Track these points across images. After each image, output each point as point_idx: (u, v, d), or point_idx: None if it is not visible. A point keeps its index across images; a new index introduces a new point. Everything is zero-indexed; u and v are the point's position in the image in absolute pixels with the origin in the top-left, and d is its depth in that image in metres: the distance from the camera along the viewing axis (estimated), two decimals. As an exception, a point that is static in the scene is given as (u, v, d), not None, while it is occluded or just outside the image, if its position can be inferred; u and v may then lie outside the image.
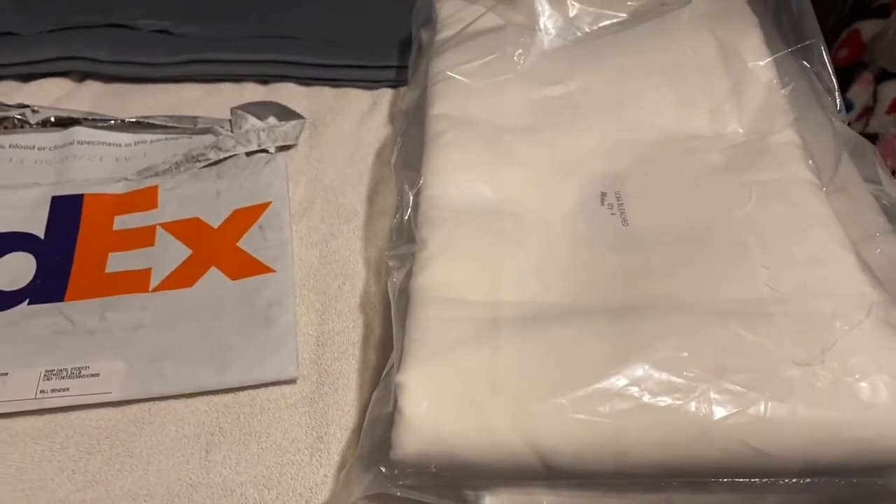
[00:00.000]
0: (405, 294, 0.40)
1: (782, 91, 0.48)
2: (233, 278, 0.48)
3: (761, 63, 0.49)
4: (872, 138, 0.69)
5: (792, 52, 0.50)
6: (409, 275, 0.40)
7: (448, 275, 0.40)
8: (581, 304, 0.39)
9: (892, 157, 0.66)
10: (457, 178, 0.44)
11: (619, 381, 0.34)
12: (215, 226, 0.51)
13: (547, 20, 0.53)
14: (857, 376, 0.34)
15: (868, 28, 0.74)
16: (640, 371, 0.34)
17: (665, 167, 0.45)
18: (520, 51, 0.51)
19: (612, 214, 0.43)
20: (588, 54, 0.52)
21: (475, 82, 0.50)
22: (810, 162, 0.44)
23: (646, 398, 0.34)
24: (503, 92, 0.49)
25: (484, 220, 0.42)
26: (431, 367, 0.36)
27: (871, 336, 0.35)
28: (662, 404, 0.33)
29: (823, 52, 0.50)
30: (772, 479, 0.34)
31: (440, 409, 0.34)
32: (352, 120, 0.59)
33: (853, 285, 0.37)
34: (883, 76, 0.71)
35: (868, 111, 0.70)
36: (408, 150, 0.49)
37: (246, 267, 0.48)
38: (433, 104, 0.49)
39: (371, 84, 0.61)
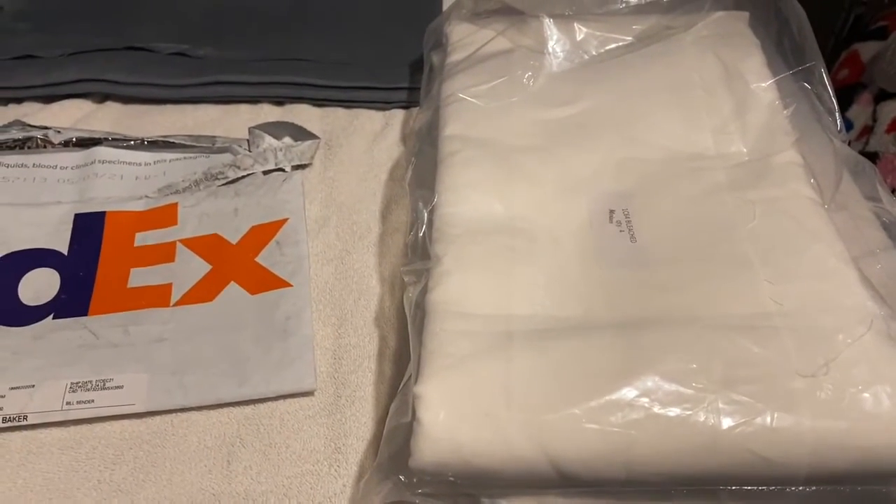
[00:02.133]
0: (421, 308, 0.41)
1: (784, 112, 0.50)
2: (252, 293, 0.49)
3: (764, 84, 0.51)
4: (872, 157, 0.70)
5: (793, 74, 0.52)
6: (424, 290, 0.42)
7: (462, 290, 0.41)
8: (591, 318, 0.40)
9: (892, 175, 0.67)
10: (469, 196, 0.46)
11: (629, 392, 0.35)
12: (234, 242, 0.52)
13: (555, 44, 0.55)
14: (860, 387, 0.35)
15: (867, 49, 0.75)
16: (649, 382, 0.35)
17: (671, 185, 0.46)
18: (529, 73, 0.53)
19: (621, 231, 0.44)
20: (595, 76, 0.53)
21: (486, 104, 0.51)
22: (812, 181, 0.46)
23: (656, 408, 0.35)
24: (513, 113, 0.51)
25: (496, 237, 0.44)
26: (448, 378, 0.37)
27: (872, 348, 0.36)
28: (672, 414, 0.35)
29: (824, 74, 0.52)
30: (778, 488, 0.35)
31: (457, 419, 0.36)
32: (365, 140, 0.60)
33: (855, 300, 0.39)
34: (882, 96, 0.72)
35: (868, 130, 0.72)
36: (421, 169, 0.51)
37: (264, 281, 0.49)
38: (446, 125, 0.51)
39: (383, 105, 0.62)
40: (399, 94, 0.63)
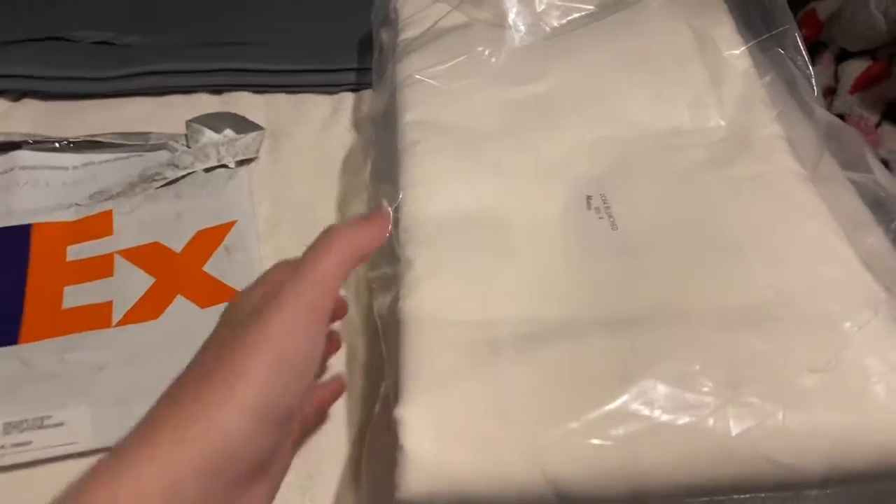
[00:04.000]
0: (394, 319, 0.37)
1: (760, 80, 0.47)
2: (201, 306, 0.45)
3: (737, 52, 0.48)
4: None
5: (766, 40, 0.49)
6: (396, 298, 0.38)
7: (439, 296, 0.38)
8: (580, 317, 0.37)
9: (860, 139, 0.66)
10: (437, 190, 0.42)
11: (630, 400, 0.33)
12: (178, 250, 0.48)
13: (515, 17, 0.51)
14: (874, 379, 0.33)
15: (824, 7, 0.73)
16: (651, 388, 0.33)
17: (648, 166, 0.44)
18: (490, 50, 0.49)
19: (600, 218, 0.41)
20: (559, 51, 0.50)
21: (446, 85, 0.48)
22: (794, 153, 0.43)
23: (660, 417, 0.32)
24: (476, 94, 0.47)
25: (470, 234, 0.40)
26: (432, 398, 0.34)
27: (881, 335, 0.34)
28: (678, 423, 0.32)
29: (798, 38, 0.49)
30: (795, 492, 0.33)
31: (446, 444, 0.32)
32: (313, 128, 0.57)
33: (857, 282, 0.37)
34: (843, 56, 0.70)
35: (831, 91, 0.70)
36: (381, 160, 0.47)
37: (214, 293, 0.46)
38: (405, 110, 0.47)
39: (331, 89, 0.59)
40: (348, 76, 0.59)
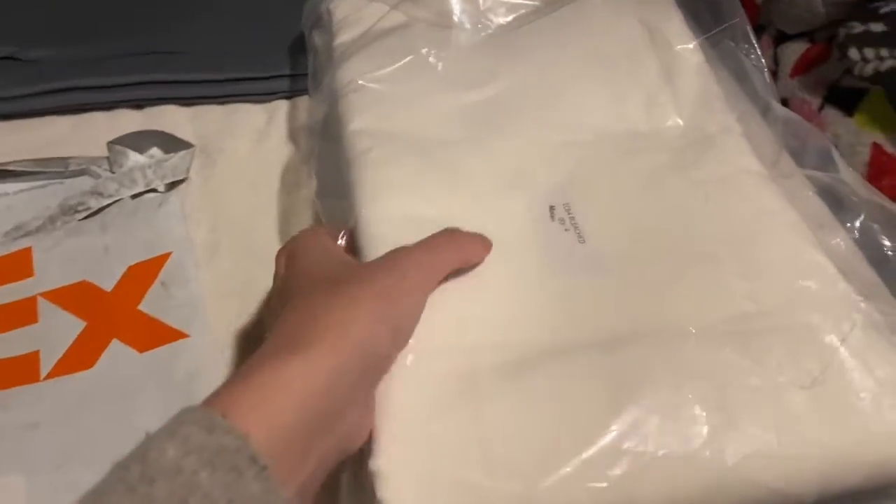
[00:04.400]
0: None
1: (713, 75, 0.46)
2: (140, 350, 0.42)
3: (689, 46, 0.47)
4: (781, 103, 0.68)
5: (717, 33, 0.48)
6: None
7: None
8: (559, 341, 0.35)
9: (804, 123, 0.65)
10: (395, 206, 0.40)
11: (623, 436, 0.31)
12: (108, 288, 0.44)
13: (460, 15, 0.49)
14: (862, 394, 0.32)
15: (759, -11, 0.72)
16: (643, 421, 0.31)
17: (610, 171, 0.42)
18: (435, 51, 0.47)
19: (566, 230, 0.40)
20: (508, 50, 0.48)
21: (392, 90, 0.45)
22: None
23: (656, 451, 0.31)
24: (424, 99, 0.45)
25: None
26: (411, 444, 0.31)
27: (864, 346, 0.34)
28: (673, 456, 0.31)
29: (749, 31, 0.49)
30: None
31: (429, 496, 0.30)
32: (247, 141, 0.54)
33: (834, 291, 0.36)
34: (781, 38, 0.70)
35: (772, 75, 0.70)
36: (327, 174, 0.45)
37: (154, 334, 0.43)
38: (350, 119, 0.44)
39: (263, 98, 0.56)
40: (281, 83, 0.56)
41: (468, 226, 0.39)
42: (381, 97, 0.45)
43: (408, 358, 0.34)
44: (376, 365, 0.31)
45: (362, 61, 0.47)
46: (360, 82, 0.45)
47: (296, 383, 0.27)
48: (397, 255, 0.34)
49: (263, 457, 0.24)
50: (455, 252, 0.36)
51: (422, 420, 0.32)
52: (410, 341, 0.34)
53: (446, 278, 0.36)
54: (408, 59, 0.46)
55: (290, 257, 0.35)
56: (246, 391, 0.26)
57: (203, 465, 0.23)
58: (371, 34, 0.49)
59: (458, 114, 0.45)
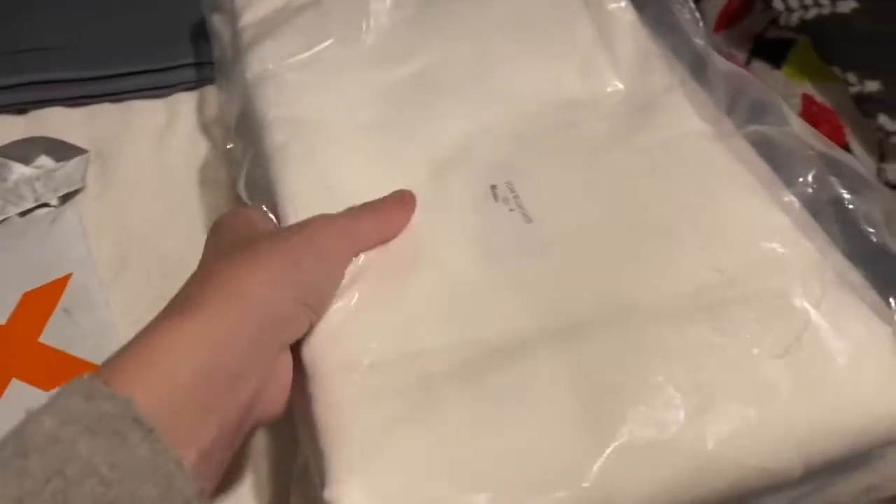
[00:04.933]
0: (298, 369, 0.31)
1: (649, 33, 0.44)
2: (45, 388, 0.38)
3: (622, 4, 0.45)
4: (707, 60, 0.67)
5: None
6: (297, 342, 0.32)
7: (348, 333, 0.32)
8: (513, 334, 0.33)
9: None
10: (318, 202, 0.36)
11: (599, 433, 0.29)
12: (2, 321, 0.41)
13: (375, -14, 0.45)
14: (838, 358, 0.31)
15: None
16: (618, 412, 0.29)
17: (552, 144, 0.40)
18: (354, 28, 0.44)
19: (511, 210, 0.37)
20: (433, 21, 0.45)
21: (308, 75, 0.42)
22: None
23: (634, 442, 0.29)
24: (346, 80, 0.42)
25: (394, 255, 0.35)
26: (367, 467, 0.28)
27: (837, 307, 0.32)
28: (653, 446, 0.29)
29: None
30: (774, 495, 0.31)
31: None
32: (147, 140, 0.50)
33: (799, 251, 0.34)
34: (701, -8, 0.69)
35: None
36: (250, 171, 0.41)
37: (59, 369, 0.39)
38: (266, 109, 0.41)
39: (162, 91, 0.52)
40: (181, 74, 0.52)
41: None
42: (297, 83, 0.42)
43: (350, 371, 0.31)
44: (278, 326, 0.30)
45: (274, 45, 0.43)
46: (271, 67, 0.42)
47: (184, 344, 0.26)
48: (313, 219, 0.33)
49: (149, 419, 0.24)
50: (375, 218, 0.35)
51: (375, 440, 0.29)
52: (350, 355, 0.31)
53: (386, 277, 0.34)
54: (323, 40, 0.43)
55: (213, 233, 0.34)
56: (132, 356, 0.26)
57: (82, 433, 0.23)
58: (280, 15, 0.45)
59: (382, 95, 0.42)
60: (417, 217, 0.37)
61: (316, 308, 0.31)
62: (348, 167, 0.38)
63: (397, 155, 0.39)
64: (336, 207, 0.36)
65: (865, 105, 0.46)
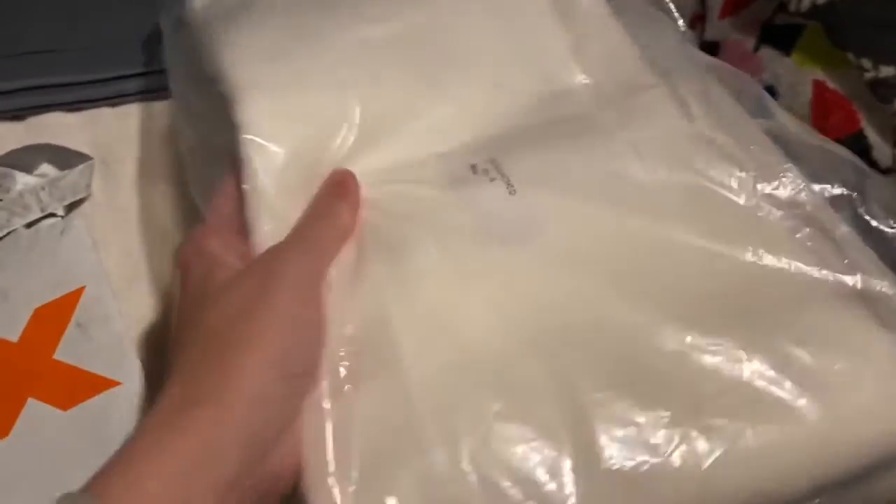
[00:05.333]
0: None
1: (623, 25, 0.43)
2: (63, 407, 0.38)
3: None
4: (713, 47, 0.67)
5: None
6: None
7: None
8: (494, 341, 0.32)
9: (740, 66, 0.64)
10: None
11: (579, 456, 0.28)
12: (15, 339, 0.40)
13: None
14: (838, 367, 0.30)
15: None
16: (606, 436, 0.28)
17: (534, 131, 0.39)
18: None
19: (493, 180, 0.35)
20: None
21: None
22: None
23: (624, 469, 0.28)
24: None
25: (365, 250, 0.34)
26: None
27: (835, 312, 0.32)
28: (643, 470, 0.28)
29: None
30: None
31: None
32: (152, 143, 0.49)
33: (792, 253, 0.33)
34: (706, -23, 0.68)
35: (700, 19, 0.68)
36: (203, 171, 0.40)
37: (77, 386, 0.38)
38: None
39: (166, 93, 0.48)
40: None
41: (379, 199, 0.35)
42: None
43: (326, 401, 0.30)
44: (275, 417, 0.29)
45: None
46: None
47: (172, 461, 0.26)
48: (274, 280, 0.30)
49: None
50: (330, 226, 0.33)
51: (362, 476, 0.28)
52: (325, 383, 0.30)
53: (362, 280, 0.33)
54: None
55: (180, 279, 0.33)
56: (121, 471, 0.26)
57: None
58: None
59: (363, 53, 0.39)
60: (392, 204, 0.36)
61: (308, 366, 0.30)
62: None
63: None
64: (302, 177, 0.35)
65: (881, 91, 0.46)
